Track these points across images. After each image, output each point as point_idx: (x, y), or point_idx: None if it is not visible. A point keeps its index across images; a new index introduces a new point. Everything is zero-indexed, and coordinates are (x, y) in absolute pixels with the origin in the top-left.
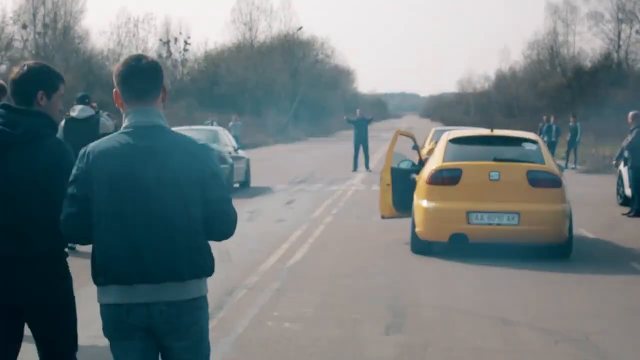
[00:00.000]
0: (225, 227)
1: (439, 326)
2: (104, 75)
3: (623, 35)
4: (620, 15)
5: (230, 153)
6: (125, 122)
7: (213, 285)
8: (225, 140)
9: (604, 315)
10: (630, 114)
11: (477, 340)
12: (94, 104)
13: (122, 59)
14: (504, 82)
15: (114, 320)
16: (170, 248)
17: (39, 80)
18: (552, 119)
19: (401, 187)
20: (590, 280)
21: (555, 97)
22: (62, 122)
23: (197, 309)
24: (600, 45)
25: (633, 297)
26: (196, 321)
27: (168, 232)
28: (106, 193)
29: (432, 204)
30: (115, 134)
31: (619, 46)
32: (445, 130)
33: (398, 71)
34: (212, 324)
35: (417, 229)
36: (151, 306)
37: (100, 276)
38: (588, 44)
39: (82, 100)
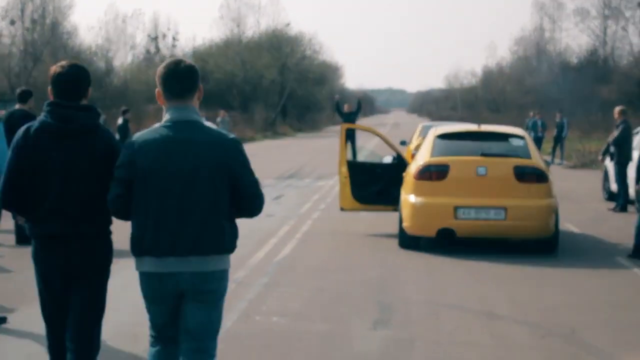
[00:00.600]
0: (256, 206)
1: (426, 321)
2: (93, 70)
3: (609, 32)
4: (606, 12)
5: None
6: (166, 117)
7: None
8: None
9: (589, 309)
10: (617, 109)
11: (464, 335)
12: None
13: (164, 63)
14: (491, 78)
15: (150, 286)
16: (196, 227)
17: (86, 78)
18: (536, 115)
19: (360, 180)
20: (576, 274)
21: (542, 93)
22: None
23: (218, 279)
24: (587, 41)
25: (618, 291)
26: (215, 290)
27: (195, 214)
28: (147, 178)
29: (419, 199)
30: (157, 126)
31: (605, 42)
32: (432, 126)
33: (385, 67)
34: None
35: (404, 224)
36: (178, 275)
37: (136, 248)
38: (574, 40)
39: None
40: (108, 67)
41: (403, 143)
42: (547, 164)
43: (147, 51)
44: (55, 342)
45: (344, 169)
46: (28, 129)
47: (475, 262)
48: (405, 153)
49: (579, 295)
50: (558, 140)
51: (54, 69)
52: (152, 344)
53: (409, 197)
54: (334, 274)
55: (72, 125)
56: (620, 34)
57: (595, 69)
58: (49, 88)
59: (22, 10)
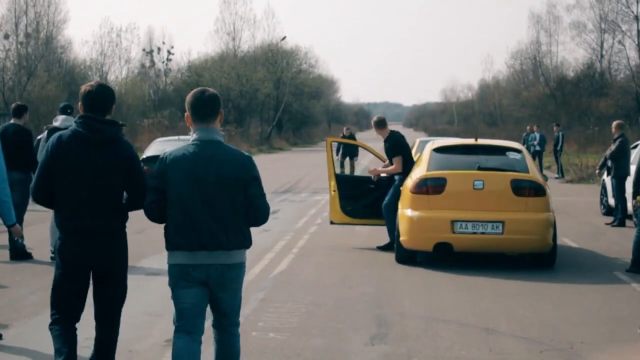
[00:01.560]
0: (260, 216)
1: (424, 336)
2: None
3: (606, 45)
4: (602, 25)
5: None
6: (194, 137)
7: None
8: None
9: (587, 325)
10: (614, 123)
11: (461, 350)
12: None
13: (191, 92)
14: (488, 91)
15: (180, 274)
16: (220, 227)
17: (111, 97)
18: (535, 128)
19: (348, 194)
20: (574, 289)
21: (539, 106)
22: (45, 132)
23: (238, 269)
24: (583, 55)
25: (616, 306)
26: (237, 277)
27: (219, 217)
28: (178, 187)
29: (416, 213)
30: (186, 145)
31: (602, 56)
32: (429, 141)
33: (382, 81)
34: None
35: (401, 238)
36: (209, 267)
37: (169, 244)
38: (571, 53)
39: (65, 111)
40: (102, 81)
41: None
42: (545, 178)
43: (142, 65)
44: (65, 330)
45: (333, 183)
46: (60, 136)
47: (472, 277)
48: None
49: (577, 310)
50: (555, 153)
51: (85, 87)
52: (177, 334)
53: (405, 211)
54: (330, 289)
55: (99, 135)
56: (617, 48)
57: (592, 82)
58: (79, 104)
59: (16, 24)
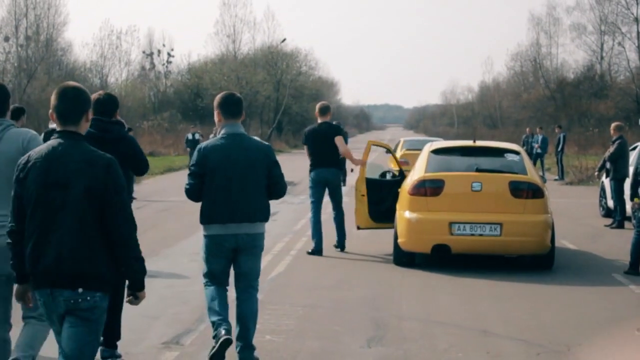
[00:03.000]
0: (282, 191)
1: (421, 338)
2: (87, 87)
3: (606, 47)
4: (602, 27)
5: None
6: (223, 131)
7: (195, 297)
8: None
9: (586, 326)
10: (613, 125)
11: (458, 353)
12: None
13: (221, 95)
14: (488, 93)
15: (215, 244)
16: (247, 203)
17: (115, 102)
18: (537, 130)
19: (376, 198)
20: (572, 291)
21: (539, 108)
22: (42, 134)
23: (260, 238)
24: (583, 56)
25: (615, 309)
26: (259, 245)
27: (247, 195)
28: (214, 171)
29: (414, 215)
30: (218, 137)
31: (602, 58)
32: (414, 139)
33: (382, 83)
34: (193, 337)
35: (399, 240)
36: (237, 236)
37: (205, 218)
38: (571, 55)
39: None
40: (102, 84)
41: (389, 152)
42: (543, 179)
43: (142, 67)
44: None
45: (362, 186)
46: None
47: (470, 279)
48: (389, 161)
49: (575, 312)
50: (556, 155)
51: (95, 96)
52: (208, 285)
53: (403, 213)
54: (327, 291)
55: (108, 134)
56: (617, 50)
57: (592, 84)
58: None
59: (17, 27)
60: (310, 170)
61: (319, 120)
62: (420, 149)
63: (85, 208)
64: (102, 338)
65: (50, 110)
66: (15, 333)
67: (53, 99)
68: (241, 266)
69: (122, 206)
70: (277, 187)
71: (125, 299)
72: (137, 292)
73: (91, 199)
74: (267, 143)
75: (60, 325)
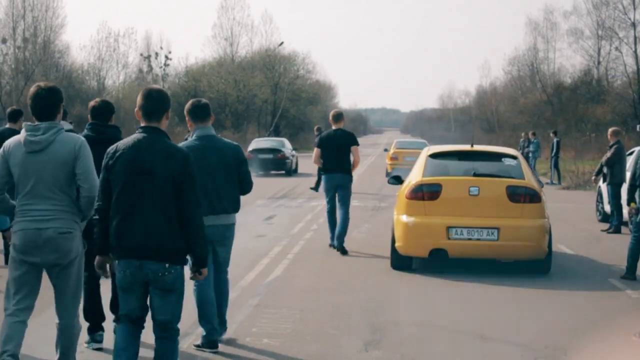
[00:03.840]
0: (247, 187)
1: (418, 342)
2: (84, 89)
3: (603, 52)
4: (600, 32)
5: None
6: (195, 134)
7: (192, 302)
8: None
9: (582, 331)
10: (610, 130)
11: (456, 357)
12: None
13: (188, 102)
14: (485, 97)
15: None
16: (222, 197)
17: (111, 108)
18: (530, 136)
19: None
20: (569, 296)
21: (536, 113)
22: None
23: (233, 229)
24: (580, 61)
25: (611, 313)
26: (230, 236)
27: (221, 189)
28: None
29: (411, 219)
30: (191, 140)
31: (599, 62)
32: (404, 140)
33: (379, 86)
34: (190, 340)
35: (396, 244)
36: (213, 227)
37: None
38: (568, 60)
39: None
40: (100, 86)
41: (386, 150)
42: (541, 184)
43: (140, 70)
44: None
45: None
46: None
47: (467, 283)
48: (386, 158)
49: (572, 316)
50: (551, 160)
51: (92, 103)
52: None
53: (401, 217)
54: (325, 294)
55: (104, 136)
56: (614, 54)
57: (589, 89)
58: (89, 115)
59: (14, 29)
60: (322, 174)
61: (333, 127)
62: (408, 148)
63: (166, 192)
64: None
65: (137, 109)
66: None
67: (139, 99)
68: (216, 257)
69: (194, 193)
70: (245, 183)
71: (189, 275)
72: (200, 268)
73: (171, 184)
74: (236, 143)
75: (140, 292)
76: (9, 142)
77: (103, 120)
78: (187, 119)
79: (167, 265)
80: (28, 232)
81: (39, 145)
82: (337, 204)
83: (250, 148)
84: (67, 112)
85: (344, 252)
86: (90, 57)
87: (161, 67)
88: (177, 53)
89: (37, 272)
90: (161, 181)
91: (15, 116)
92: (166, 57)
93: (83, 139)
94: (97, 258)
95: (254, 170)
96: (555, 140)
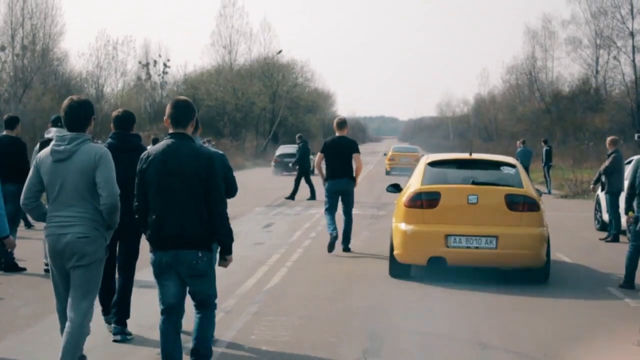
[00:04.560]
0: (232, 192)
1: (417, 350)
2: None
3: (601, 61)
4: (598, 41)
5: None
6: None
7: (190, 309)
8: None
9: (581, 340)
10: (609, 139)
11: None
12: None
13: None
14: (483, 106)
15: None
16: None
17: (132, 118)
18: (518, 144)
19: None
20: (567, 304)
21: (534, 121)
22: (38, 145)
23: None
24: (579, 70)
25: (610, 322)
26: None
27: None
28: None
29: (410, 227)
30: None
31: (597, 71)
32: (400, 146)
33: (377, 95)
34: (188, 347)
35: (395, 252)
36: None
37: None
38: (566, 69)
39: (56, 123)
40: (98, 94)
41: (385, 154)
42: (539, 193)
43: (138, 78)
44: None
45: None
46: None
47: (466, 291)
48: (385, 160)
49: (571, 325)
50: (543, 169)
51: (115, 113)
52: None
53: (399, 225)
54: (323, 302)
55: (127, 145)
56: (612, 63)
57: (587, 98)
58: (112, 124)
59: (13, 36)
60: (326, 180)
61: (337, 134)
62: (402, 152)
63: (195, 189)
64: (115, 316)
65: (165, 117)
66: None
67: (168, 108)
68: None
69: (219, 188)
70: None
71: (217, 263)
72: (226, 255)
73: (199, 182)
74: (219, 151)
75: (175, 280)
76: (42, 153)
77: (125, 130)
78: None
79: (199, 253)
80: (52, 237)
81: (63, 154)
82: (341, 210)
83: (277, 153)
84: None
85: (347, 249)
86: (89, 65)
87: (160, 75)
88: (176, 61)
89: (64, 281)
90: (189, 179)
91: (12, 123)
92: (165, 64)
93: (105, 149)
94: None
95: (280, 170)
96: (544, 149)
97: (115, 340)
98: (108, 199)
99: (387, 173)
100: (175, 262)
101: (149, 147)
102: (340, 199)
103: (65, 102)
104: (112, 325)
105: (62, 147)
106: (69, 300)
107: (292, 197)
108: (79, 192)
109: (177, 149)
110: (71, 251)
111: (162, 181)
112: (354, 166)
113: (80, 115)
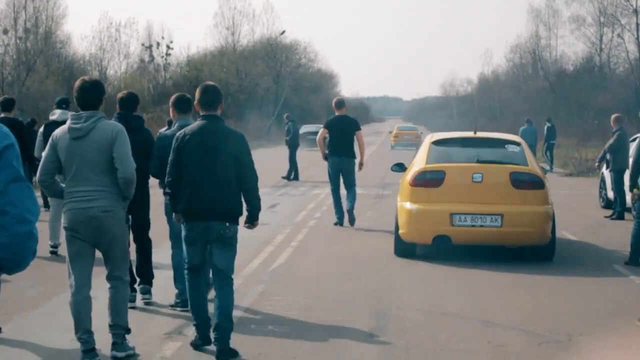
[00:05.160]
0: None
1: (422, 329)
2: None
3: (605, 39)
4: (602, 19)
5: None
6: (177, 124)
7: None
8: None
9: (586, 317)
10: (613, 116)
11: (460, 343)
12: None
13: (173, 96)
14: (487, 85)
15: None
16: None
17: (136, 99)
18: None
19: None
20: (572, 282)
21: (538, 100)
22: (42, 127)
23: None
24: (582, 48)
25: (615, 299)
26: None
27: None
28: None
29: (415, 206)
30: (173, 129)
31: (601, 49)
32: (404, 125)
33: (381, 75)
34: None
35: (400, 231)
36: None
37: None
38: (570, 47)
39: (61, 105)
40: (102, 76)
41: (390, 132)
42: (544, 170)
43: (141, 60)
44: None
45: None
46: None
47: (471, 270)
48: (390, 137)
49: (576, 302)
50: (543, 146)
51: (120, 95)
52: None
53: (404, 204)
54: (329, 282)
55: (130, 125)
56: (616, 41)
57: (591, 76)
58: (117, 105)
59: (15, 19)
60: (328, 157)
61: (337, 113)
62: (405, 130)
63: (228, 165)
64: (140, 279)
65: (195, 102)
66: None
67: (198, 93)
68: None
69: (250, 164)
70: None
71: (244, 226)
72: (254, 221)
73: (232, 159)
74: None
75: (201, 247)
76: (57, 131)
77: (129, 111)
78: (171, 110)
79: (227, 224)
80: (74, 212)
81: (81, 132)
82: (344, 186)
83: (302, 131)
84: (69, 102)
85: (353, 222)
86: (92, 48)
87: (163, 57)
88: (179, 42)
89: (88, 246)
90: (223, 156)
91: (9, 105)
92: (168, 46)
93: (121, 126)
94: (174, 215)
95: (305, 146)
96: (546, 126)
97: (144, 300)
98: (125, 172)
99: (392, 147)
100: (204, 232)
101: (164, 129)
102: (341, 175)
103: (78, 82)
104: (139, 286)
105: (80, 125)
106: (108, 271)
107: (295, 177)
108: (98, 167)
109: (212, 129)
110: (97, 225)
111: (199, 158)
112: (357, 144)
113: (92, 94)
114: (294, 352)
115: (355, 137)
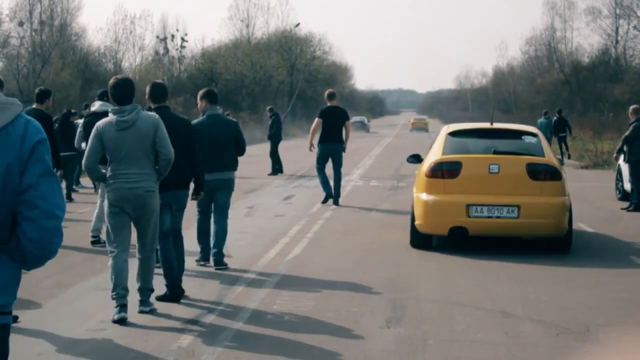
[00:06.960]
0: (242, 152)
1: (439, 319)
2: (101, 72)
3: (621, 31)
4: (618, 11)
5: None
6: (208, 113)
7: (213, 279)
8: None
9: (604, 308)
10: (631, 108)
11: (477, 333)
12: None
13: (203, 90)
14: (502, 78)
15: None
16: (224, 158)
17: (166, 90)
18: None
19: None
20: (590, 273)
21: (553, 93)
22: (82, 119)
23: (232, 182)
24: (598, 40)
25: (632, 290)
26: (231, 185)
27: (224, 152)
28: (205, 139)
29: (431, 197)
30: (204, 117)
31: (617, 42)
32: (420, 118)
33: (396, 67)
34: (212, 317)
35: (416, 222)
36: (218, 180)
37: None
38: (586, 39)
39: (102, 97)
40: (116, 69)
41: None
42: (561, 162)
43: (156, 52)
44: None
45: None
46: None
47: (487, 261)
48: (409, 124)
49: (593, 293)
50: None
51: (149, 87)
52: (199, 214)
53: (421, 195)
54: (345, 273)
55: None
56: (632, 33)
57: (607, 68)
58: (147, 97)
59: (31, 12)
60: (319, 143)
61: (328, 104)
62: (419, 120)
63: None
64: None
65: (201, 103)
66: None
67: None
68: (219, 199)
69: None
70: (240, 148)
71: (191, 197)
72: (200, 191)
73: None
74: (235, 120)
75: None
76: (100, 123)
77: (160, 101)
78: (202, 101)
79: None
80: (122, 190)
81: (127, 123)
82: (332, 167)
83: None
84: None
85: (337, 203)
86: (107, 40)
87: (177, 49)
88: (194, 35)
89: (128, 219)
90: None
91: (42, 97)
92: (182, 39)
93: (158, 116)
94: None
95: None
96: (553, 118)
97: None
98: (168, 155)
99: (410, 130)
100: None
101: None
102: (330, 159)
103: (112, 81)
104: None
105: (125, 117)
106: (139, 243)
107: (279, 170)
108: (142, 153)
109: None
110: (141, 203)
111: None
112: (344, 132)
113: (127, 90)
114: (311, 342)
115: (343, 127)
